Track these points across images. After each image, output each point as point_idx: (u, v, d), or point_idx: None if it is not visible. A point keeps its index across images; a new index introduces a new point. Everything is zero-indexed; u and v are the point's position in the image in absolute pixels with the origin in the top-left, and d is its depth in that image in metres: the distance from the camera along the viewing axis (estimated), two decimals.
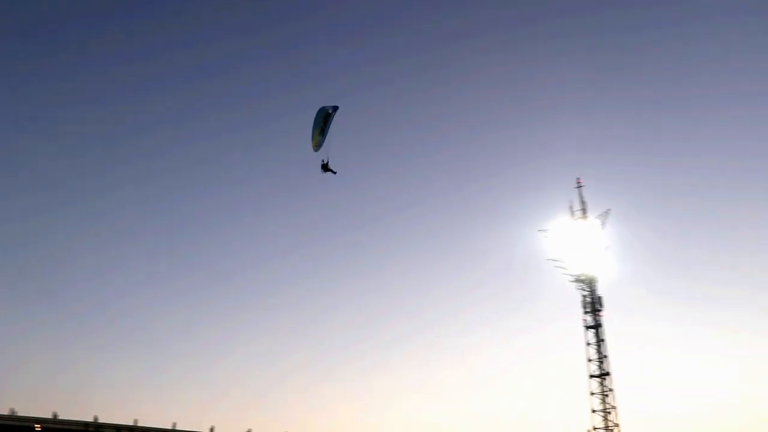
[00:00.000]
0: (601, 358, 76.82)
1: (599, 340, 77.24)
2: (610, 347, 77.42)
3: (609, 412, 75.53)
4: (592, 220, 79.41)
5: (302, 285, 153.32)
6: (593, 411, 75.73)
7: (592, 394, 76.21)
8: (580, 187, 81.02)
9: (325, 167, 35.41)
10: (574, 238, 79.07)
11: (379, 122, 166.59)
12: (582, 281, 78.70)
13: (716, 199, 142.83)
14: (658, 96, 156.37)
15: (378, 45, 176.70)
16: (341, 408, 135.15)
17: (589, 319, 77.89)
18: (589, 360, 77.00)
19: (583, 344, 77.54)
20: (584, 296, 78.56)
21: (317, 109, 35.77)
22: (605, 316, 78.08)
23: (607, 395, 75.98)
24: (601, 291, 78.50)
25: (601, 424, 75.24)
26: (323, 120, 33.48)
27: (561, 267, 79.43)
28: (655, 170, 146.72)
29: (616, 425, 75.36)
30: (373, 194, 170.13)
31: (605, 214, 79.08)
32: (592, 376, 76.66)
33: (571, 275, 79.04)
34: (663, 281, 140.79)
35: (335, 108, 34.16)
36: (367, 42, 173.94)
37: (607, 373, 76.46)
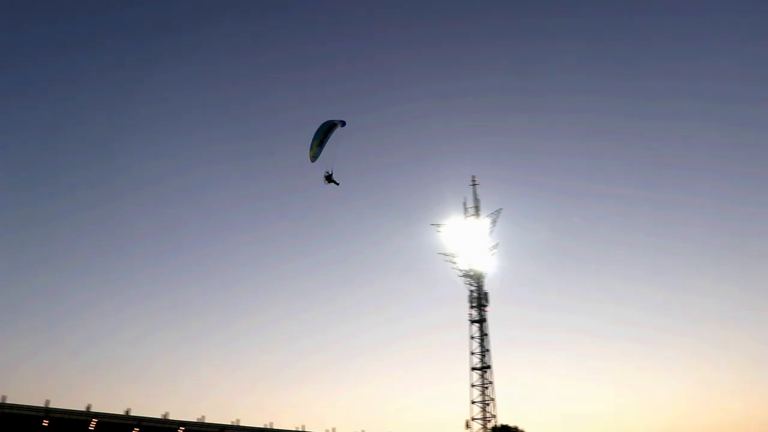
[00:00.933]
0: (484, 351, 79.54)
1: (483, 334, 79.98)
2: (493, 342, 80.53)
3: (488, 404, 78.38)
4: (484, 218, 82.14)
5: None
6: (473, 402, 78.44)
7: (473, 385, 78.89)
8: (474, 185, 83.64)
9: (329, 178, 35.50)
10: (465, 235, 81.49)
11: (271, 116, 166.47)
12: (470, 277, 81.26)
13: (604, 200, 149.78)
14: (555, 100, 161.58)
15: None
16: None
17: (475, 313, 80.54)
18: (472, 353, 79.67)
19: (468, 337, 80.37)
20: (471, 291, 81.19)
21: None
22: (490, 312, 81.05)
23: (487, 387, 78.78)
24: (487, 287, 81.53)
25: (480, 415, 78.13)
26: (325, 132, 33.46)
27: (451, 262, 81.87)
28: (546, 172, 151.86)
29: (494, 416, 78.31)
30: (279, 185, 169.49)
31: (497, 213, 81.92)
32: (473, 369, 79.28)
33: (459, 270, 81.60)
34: (548, 280, 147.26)
35: (343, 123, 34.05)
36: None
37: (488, 366, 79.23)
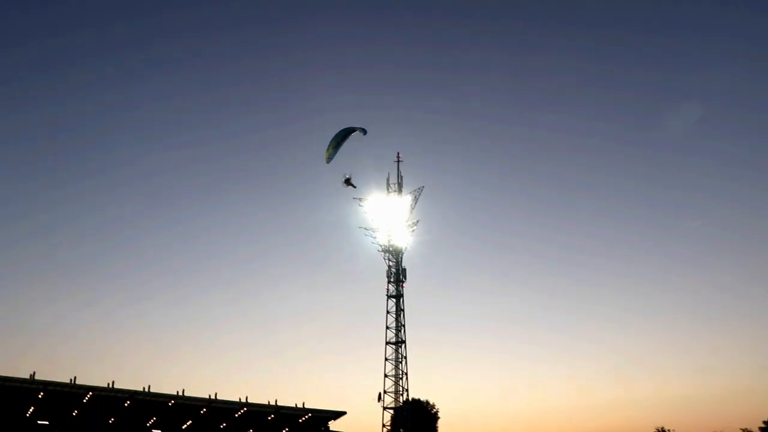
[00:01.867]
0: (399, 326, 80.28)
1: (399, 310, 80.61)
2: (409, 317, 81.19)
3: (401, 378, 79.38)
4: (406, 195, 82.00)
5: None
6: (386, 375, 79.46)
7: (387, 359, 79.83)
8: (399, 162, 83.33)
9: (348, 182, 36.49)
10: (387, 211, 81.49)
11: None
12: (389, 252, 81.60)
13: (524, 183, 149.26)
14: (479, 82, 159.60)
15: None
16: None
17: (392, 288, 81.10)
18: (387, 327, 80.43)
19: (385, 312, 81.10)
20: (390, 266, 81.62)
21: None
22: (407, 287, 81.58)
23: (400, 362, 79.68)
24: (406, 263, 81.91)
25: (392, 389, 79.20)
26: (343, 137, 34.03)
27: (371, 236, 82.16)
28: (469, 152, 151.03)
29: (406, 390, 79.42)
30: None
31: (419, 191, 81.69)
32: (388, 343, 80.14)
33: (379, 245, 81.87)
34: (465, 258, 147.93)
35: (364, 131, 34.41)
36: None
37: (403, 341, 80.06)
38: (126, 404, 71.41)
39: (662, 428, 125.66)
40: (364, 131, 33.96)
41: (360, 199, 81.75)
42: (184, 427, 79.25)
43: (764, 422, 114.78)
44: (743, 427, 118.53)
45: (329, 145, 34.41)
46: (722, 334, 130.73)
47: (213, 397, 75.29)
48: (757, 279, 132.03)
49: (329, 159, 34.81)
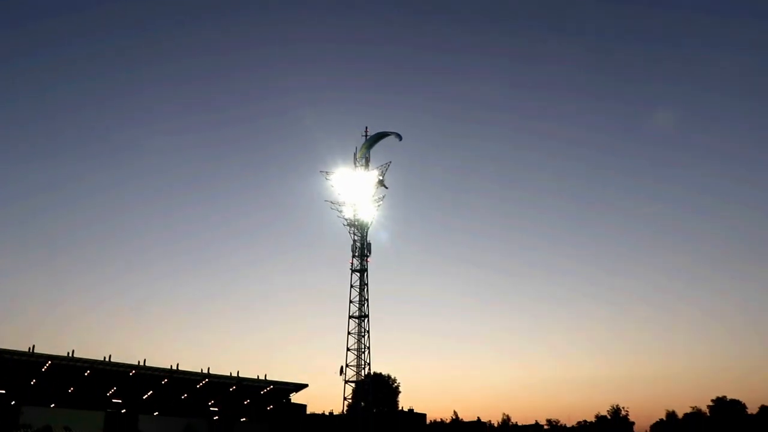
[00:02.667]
0: (362, 300, 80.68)
1: (363, 284, 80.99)
2: (372, 292, 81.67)
3: (363, 352, 79.98)
4: (373, 169, 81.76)
5: None
6: (348, 349, 80.00)
7: (350, 333, 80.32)
8: (366, 136, 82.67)
9: (381, 183, 36.67)
10: (353, 185, 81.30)
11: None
12: (354, 226, 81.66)
13: (490, 161, 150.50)
14: (452, 54, 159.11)
15: None
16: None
17: (356, 262, 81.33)
18: (351, 301, 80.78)
19: (348, 286, 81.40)
20: (355, 241, 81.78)
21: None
22: (371, 262, 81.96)
23: (363, 336, 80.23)
24: (371, 238, 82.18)
25: (354, 362, 79.79)
26: (376, 139, 34.53)
27: (337, 210, 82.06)
28: (436, 129, 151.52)
29: (368, 364, 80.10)
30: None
31: (386, 166, 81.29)
32: (351, 317, 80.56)
33: (345, 219, 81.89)
34: (430, 234, 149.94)
35: (399, 137, 35.14)
36: None
37: (366, 315, 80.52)
38: (86, 374, 70.87)
39: (617, 406, 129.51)
40: (400, 137, 35.39)
41: (326, 173, 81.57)
42: (144, 397, 79.02)
43: (712, 400, 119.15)
44: (693, 405, 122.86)
45: (364, 145, 35.68)
46: (675, 319, 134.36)
47: (174, 368, 75.13)
48: (711, 267, 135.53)
49: (362, 156, 36.08)
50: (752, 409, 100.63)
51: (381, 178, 33.08)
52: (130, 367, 72.05)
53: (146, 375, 74.11)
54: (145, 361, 73.01)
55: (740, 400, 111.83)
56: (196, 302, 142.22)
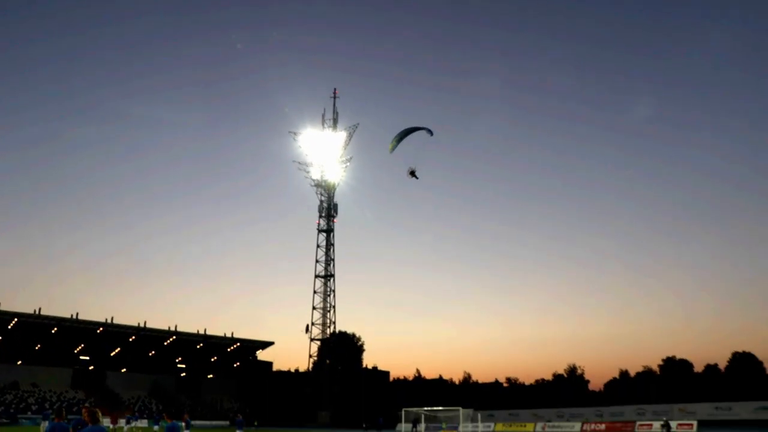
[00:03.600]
0: (329, 260, 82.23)
1: (329, 244, 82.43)
2: (338, 252, 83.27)
3: (329, 311, 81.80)
4: (341, 131, 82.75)
5: None
6: (314, 308, 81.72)
7: (315, 292, 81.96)
8: (335, 97, 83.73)
9: (413, 174, 37.07)
10: (321, 146, 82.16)
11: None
12: (321, 187, 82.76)
13: (457, 123, 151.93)
14: (419, 24, 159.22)
15: None
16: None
17: (323, 223, 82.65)
18: (317, 261, 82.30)
19: (315, 246, 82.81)
20: (321, 201, 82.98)
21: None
22: (338, 222, 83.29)
23: (329, 295, 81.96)
24: (337, 199, 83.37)
25: (320, 321, 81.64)
26: (407, 133, 34.67)
27: (304, 171, 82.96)
28: (404, 92, 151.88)
29: (333, 323, 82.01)
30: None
31: (354, 128, 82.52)
32: (317, 276, 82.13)
33: (312, 180, 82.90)
34: (396, 195, 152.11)
35: (431, 132, 35.53)
36: None
37: (332, 275, 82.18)
38: (53, 331, 71.30)
39: (573, 365, 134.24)
40: (431, 132, 36.59)
41: (294, 133, 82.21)
42: (112, 354, 79.75)
43: (662, 360, 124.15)
44: (644, 365, 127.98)
45: (395, 138, 36.82)
46: (627, 283, 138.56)
47: (142, 325, 75.79)
48: (664, 231, 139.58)
49: (392, 149, 37.37)
50: (698, 367, 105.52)
51: (413, 168, 34.86)
52: (98, 324, 72.60)
53: (113, 332, 74.76)
54: (112, 318, 73.68)
55: (688, 359, 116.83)
56: (163, 260, 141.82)
